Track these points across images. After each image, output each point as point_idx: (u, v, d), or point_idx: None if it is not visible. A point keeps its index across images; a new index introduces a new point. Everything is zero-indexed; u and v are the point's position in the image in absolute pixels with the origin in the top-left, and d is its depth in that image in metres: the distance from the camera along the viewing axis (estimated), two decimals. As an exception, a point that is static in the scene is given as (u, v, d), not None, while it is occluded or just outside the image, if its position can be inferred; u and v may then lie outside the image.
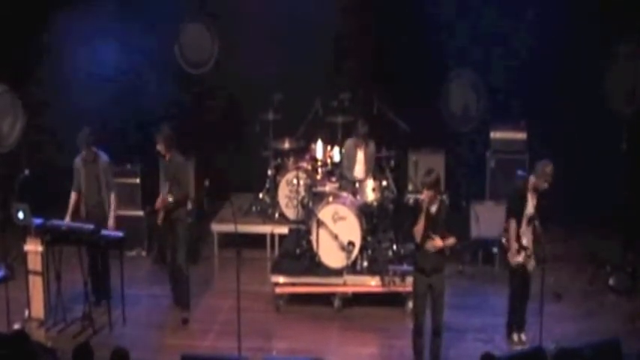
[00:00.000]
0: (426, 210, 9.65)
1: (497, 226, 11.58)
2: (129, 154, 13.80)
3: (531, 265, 10.48)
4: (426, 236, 9.68)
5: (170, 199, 11.15)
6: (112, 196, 11.60)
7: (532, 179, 10.46)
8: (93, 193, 11.56)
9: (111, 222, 11.52)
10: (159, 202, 11.32)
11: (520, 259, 10.48)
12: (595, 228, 13.63)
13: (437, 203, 9.76)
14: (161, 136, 11.18)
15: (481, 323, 11.24)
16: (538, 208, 10.43)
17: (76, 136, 11.44)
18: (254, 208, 14.06)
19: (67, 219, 11.42)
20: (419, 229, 9.66)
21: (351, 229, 11.65)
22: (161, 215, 11.30)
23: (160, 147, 11.21)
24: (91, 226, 11.02)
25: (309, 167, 13.41)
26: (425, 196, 9.63)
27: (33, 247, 11.18)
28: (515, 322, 10.79)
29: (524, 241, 10.46)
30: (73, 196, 11.56)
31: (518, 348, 10.57)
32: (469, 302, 11.84)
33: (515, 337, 10.77)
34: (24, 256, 11.32)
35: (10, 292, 11.04)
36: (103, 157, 11.63)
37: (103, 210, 11.57)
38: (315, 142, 13.62)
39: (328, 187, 12.60)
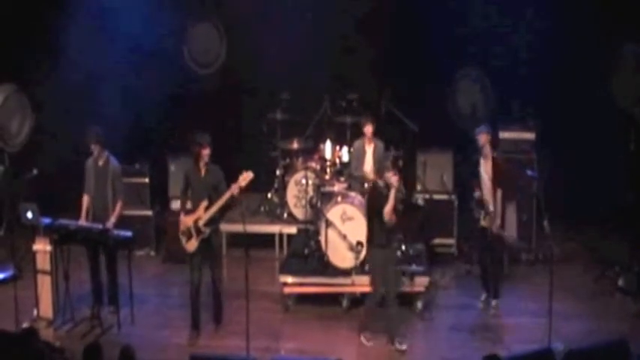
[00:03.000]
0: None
1: (507, 226, 11.73)
2: (135, 153, 13.80)
3: (495, 225, 11.26)
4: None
5: (208, 214, 10.71)
6: (119, 204, 11.36)
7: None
8: (100, 198, 11.38)
9: (109, 225, 11.21)
10: (195, 219, 10.75)
11: (486, 223, 11.26)
12: (603, 228, 13.60)
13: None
14: (209, 143, 10.73)
15: (490, 323, 11.21)
16: (496, 173, 11.35)
17: (81, 135, 11.40)
18: (262, 208, 14.06)
19: (82, 222, 11.32)
20: (390, 208, 10.36)
21: (359, 229, 11.60)
22: (194, 238, 10.79)
23: (207, 152, 10.70)
24: (99, 226, 11.02)
25: (318, 167, 13.39)
26: (392, 176, 10.38)
27: (41, 247, 11.19)
28: (488, 286, 11.60)
29: (491, 207, 11.27)
30: (85, 198, 11.42)
31: (492, 312, 11.40)
32: (477, 303, 11.80)
33: (483, 298, 11.61)
34: (32, 255, 11.33)
35: (18, 292, 11.04)
36: (114, 163, 11.47)
37: (108, 215, 11.36)
38: (324, 142, 13.61)
39: (337, 187, 12.60)
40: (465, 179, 12.01)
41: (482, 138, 11.43)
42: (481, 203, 11.35)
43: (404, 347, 10.52)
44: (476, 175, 11.52)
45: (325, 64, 14.41)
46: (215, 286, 11.05)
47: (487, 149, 11.43)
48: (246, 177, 10.51)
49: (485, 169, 11.43)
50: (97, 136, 11.26)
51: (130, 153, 13.54)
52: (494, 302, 11.58)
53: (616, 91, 13.40)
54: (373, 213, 10.57)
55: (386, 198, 10.39)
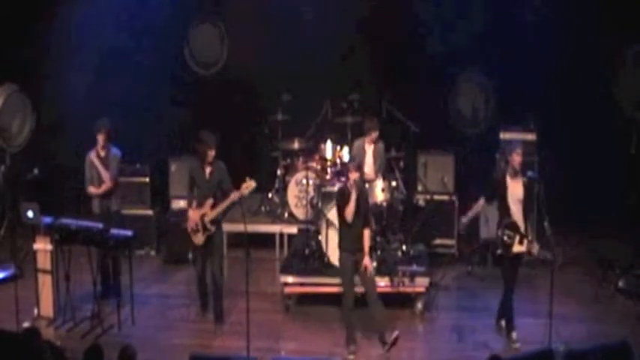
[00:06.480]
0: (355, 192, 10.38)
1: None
2: (136, 153, 13.80)
3: (535, 248, 10.45)
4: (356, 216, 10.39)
5: (213, 213, 10.88)
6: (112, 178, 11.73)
7: (505, 166, 10.62)
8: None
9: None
10: (201, 216, 10.92)
11: (523, 248, 10.46)
12: (604, 230, 13.60)
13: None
14: (215, 143, 10.89)
15: (490, 325, 11.19)
16: (527, 195, 10.48)
17: (80, 134, 11.45)
18: (263, 208, 14.06)
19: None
20: (350, 209, 10.31)
21: (360, 230, 11.61)
22: (201, 233, 10.97)
23: (212, 153, 10.86)
24: (100, 226, 11.03)
25: (319, 167, 13.40)
26: (355, 177, 10.38)
27: (42, 246, 11.20)
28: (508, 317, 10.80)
29: (522, 229, 10.45)
30: (91, 189, 11.70)
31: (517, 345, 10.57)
32: (478, 304, 11.81)
33: (504, 324, 10.87)
34: (33, 254, 11.34)
35: (19, 291, 11.00)
36: (115, 151, 11.81)
37: (112, 201, 11.77)
38: (325, 142, 13.61)
39: (337, 187, 12.56)
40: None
41: (519, 156, 10.45)
42: (513, 227, 10.41)
43: (395, 335, 10.36)
44: (495, 195, 10.58)
45: (326, 64, 14.40)
46: (215, 280, 11.10)
47: (519, 168, 10.45)
48: (248, 186, 10.70)
49: (514, 190, 10.43)
50: (105, 126, 11.58)
51: (131, 153, 13.52)
52: (514, 335, 10.68)
53: (617, 94, 13.43)
54: (341, 216, 10.49)
55: (348, 198, 10.33)
